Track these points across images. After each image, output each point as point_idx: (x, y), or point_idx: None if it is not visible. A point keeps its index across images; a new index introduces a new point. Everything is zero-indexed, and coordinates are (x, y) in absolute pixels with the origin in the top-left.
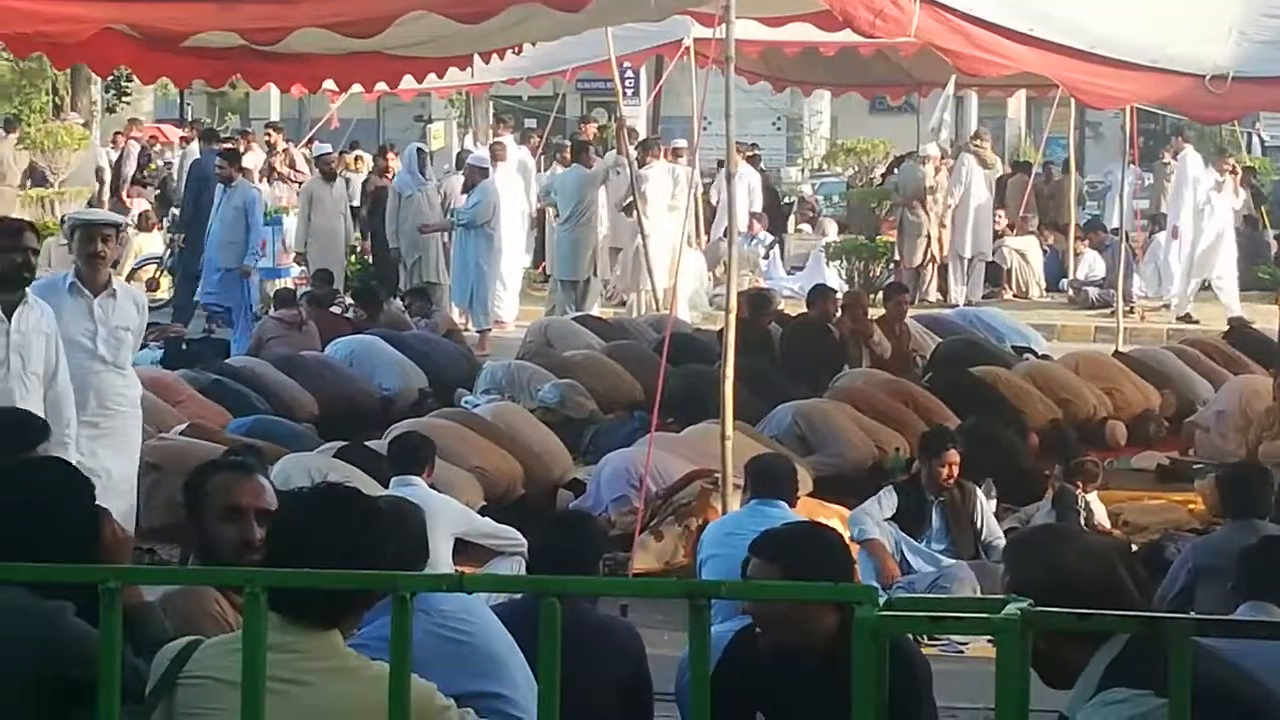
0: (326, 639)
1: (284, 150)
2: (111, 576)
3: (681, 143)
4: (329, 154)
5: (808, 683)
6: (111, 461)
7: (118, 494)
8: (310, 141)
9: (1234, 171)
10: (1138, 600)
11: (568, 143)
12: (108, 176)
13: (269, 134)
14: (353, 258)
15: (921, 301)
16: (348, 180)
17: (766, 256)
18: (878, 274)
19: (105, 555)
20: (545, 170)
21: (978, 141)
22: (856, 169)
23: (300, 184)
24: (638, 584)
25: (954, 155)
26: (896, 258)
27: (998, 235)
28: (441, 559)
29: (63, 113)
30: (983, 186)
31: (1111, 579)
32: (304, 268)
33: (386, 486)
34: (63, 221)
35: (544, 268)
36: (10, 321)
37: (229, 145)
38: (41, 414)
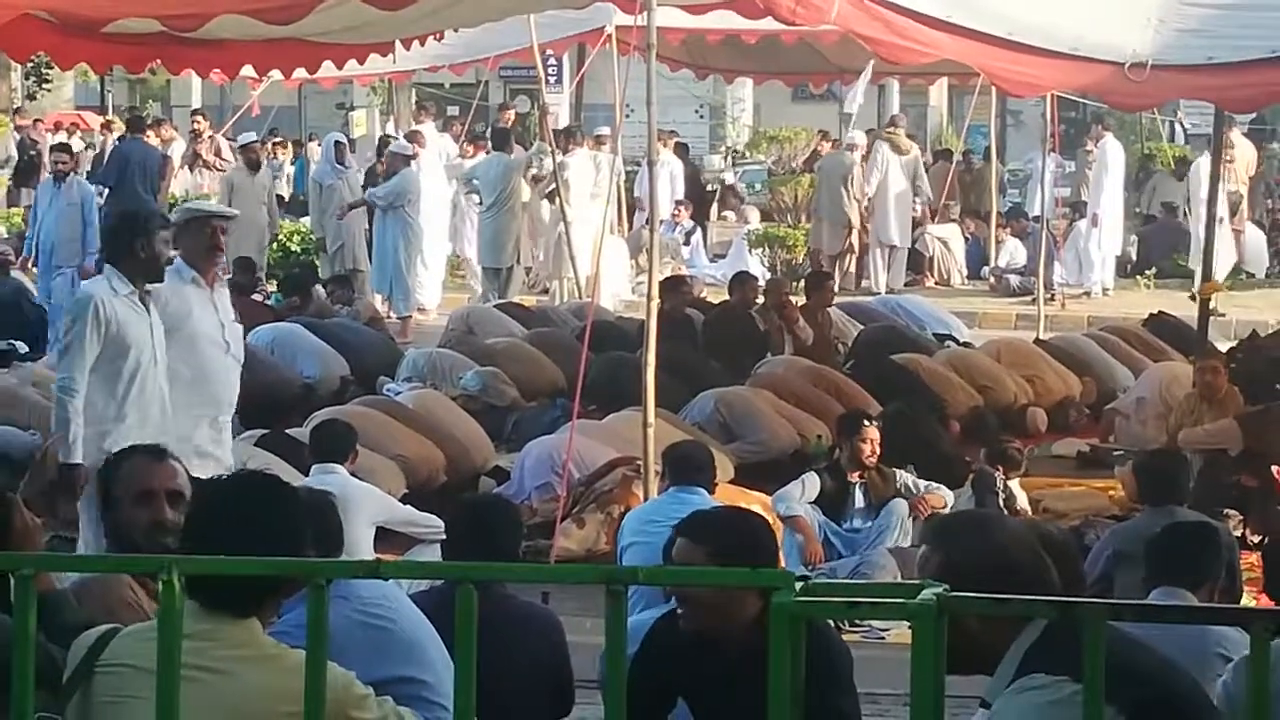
0: (244, 627)
1: (210, 137)
2: (26, 564)
3: (605, 130)
4: (254, 142)
5: (729, 668)
6: (230, 458)
7: None
8: (226, 129)
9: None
10: (1058, 584)
11: (488, 131)
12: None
13: (196, 121)
14: (274, 245)
15: (842, 290)
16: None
17: (687, 243)
18: (800, 261)
19: (16, 543)
20: (470, 158)
21: (891, 129)
22: (779, 157)
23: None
24: (555, 570)
25: (869, 143)
26: (814, 246)
27: (918, 223)
28: (362, 547)
29: None
30: (899, 174)
31: (1033, 563)
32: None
33: (307, 475)
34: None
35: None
36: (150, 314)
37: (63, 143)
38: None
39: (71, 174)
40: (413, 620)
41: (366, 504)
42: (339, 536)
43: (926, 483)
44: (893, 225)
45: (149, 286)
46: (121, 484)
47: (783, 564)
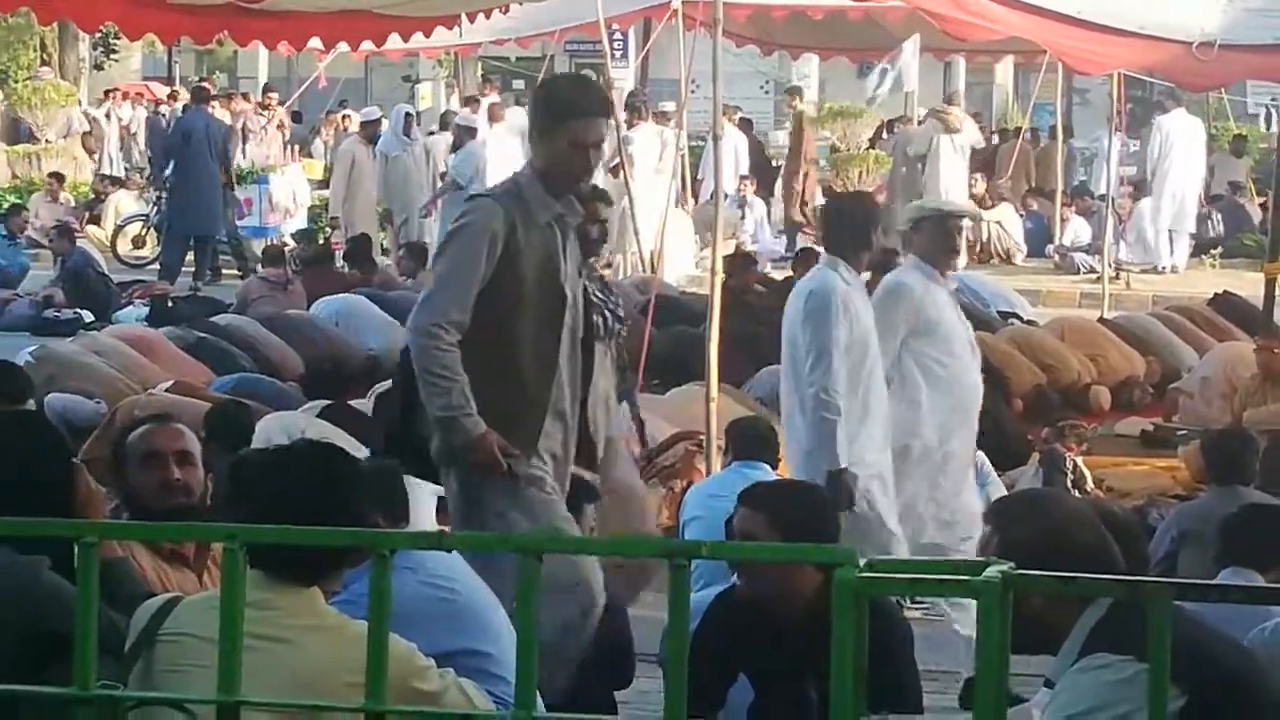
0: (307, 597)
1: (274, 110)
2: (90, 531)
3: (670, 105)
4: (376, 119)
5: (790, 644)
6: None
7: None
8: (292, 102)
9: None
10: (1122, 563)
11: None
12: (110, 137)
13: (268, 98)
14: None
15: None
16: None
17: (743, 217)
18: None
19: (80, 510)
20: None
21: (944, 106)
22: (844, 133)
23: (285, 143)
24: (618, 543)
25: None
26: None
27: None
28: (425, 517)
29: (45, 68)
30: (951, 152)
31: (1097, 542)
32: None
33: (369, 446)
34: (58, 177)
35: None
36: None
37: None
38: None
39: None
40: (478, 592)
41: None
42: (405, 506)
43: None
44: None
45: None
46: (129, 451)
47: None
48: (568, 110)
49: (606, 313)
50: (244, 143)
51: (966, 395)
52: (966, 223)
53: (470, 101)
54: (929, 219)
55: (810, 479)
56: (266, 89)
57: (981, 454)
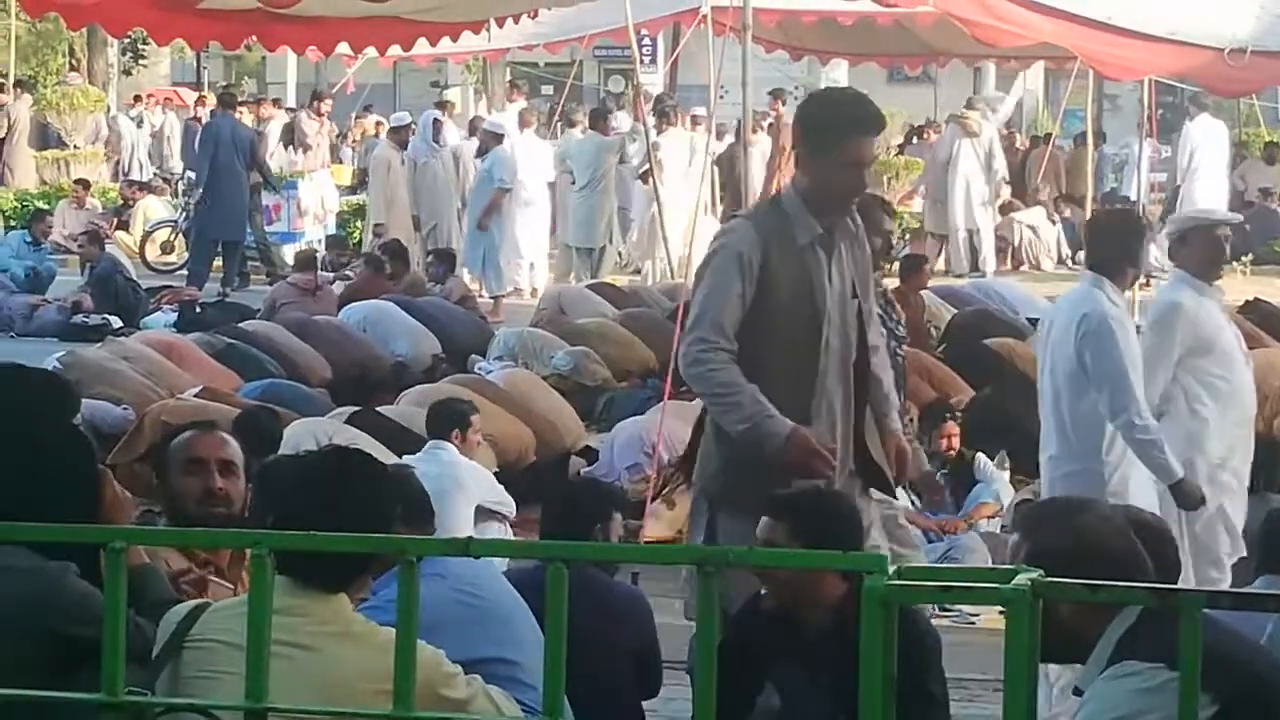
0: (334, 603)
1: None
2: (117, 537)
3: (701, 111)
4: (407, 124)
5: (817, 652)
6: None
7: None
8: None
9: None
10: (1152, 571)
11: (579, 110)
12: (139, 143)
13: (318, 105)
14: None
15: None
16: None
17: None
18: (896, 244)
19: (107, 515)
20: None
21: (965, 111)
22: None
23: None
24: (646, 550)
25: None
26: (929, 228)
27: (1005, 209)
28: (463, 526)
29: (74, 73)
30: (971, 157)
31: (1127, 550)
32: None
33: (397, 452)
34: (84, 184)
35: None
36: None
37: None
38: None
39: None
40: (507, 600)
41: (474, 484)
42: (428, 512)
43: (1003, 470)
44: (958, 209)
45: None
46: (171, 456)
47: None
48: (842, 128)
49: (884, 331)
50: (303, 150)
51: (1248, 407)
52: (1227, 230)
53: (525, 113)
54: (1196, 230)
55: (1073, 496)
56: (317, 96)
57: (982, 455)
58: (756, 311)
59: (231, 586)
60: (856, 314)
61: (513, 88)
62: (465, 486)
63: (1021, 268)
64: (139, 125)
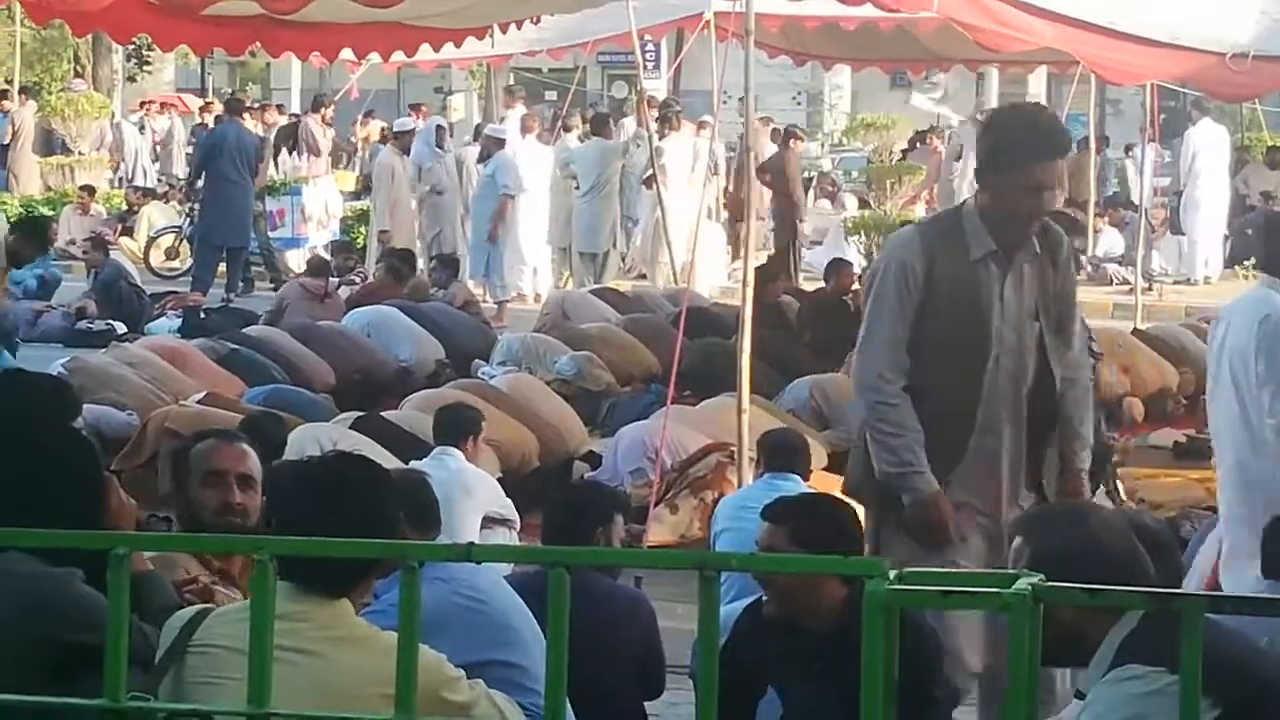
0: (337, 608)
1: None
2: (121, 543)
3: (707, 117)
4: (410, 130)
5: (818, 656)
6: None
7: None
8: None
9: None
10: (1154, 576)
11: (581, 115)
12: (143, 149)
13: (325, 113)
14: None
15: None
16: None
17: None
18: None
19: (111, 521)
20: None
21: (974, 117)
22: (877, 144)
23: (317, 155)
24: (647, 555)
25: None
26: None
27: None
28: (469, 532)
29: (78, 80)
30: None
31: (1130, 554)
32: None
33: (401, 458)
34: (88, 190)
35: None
36: None
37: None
38: None
39: None
40: (509, 605)
41: (481, 491)
42: (435, 516)
43: None
44: None
45: None
46: (191, 464)
47: None
48: (1028, 151)
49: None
50: (314, 155)
51: None
52: None
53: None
54: None
55: (1254, 507)
56: (320, 102)
57: None
58: (920, 318)
59: (242, 594)
60: (1038, 337)
61: (509, 94)
62: (473, 493)
63: None
64: (142, 131)
